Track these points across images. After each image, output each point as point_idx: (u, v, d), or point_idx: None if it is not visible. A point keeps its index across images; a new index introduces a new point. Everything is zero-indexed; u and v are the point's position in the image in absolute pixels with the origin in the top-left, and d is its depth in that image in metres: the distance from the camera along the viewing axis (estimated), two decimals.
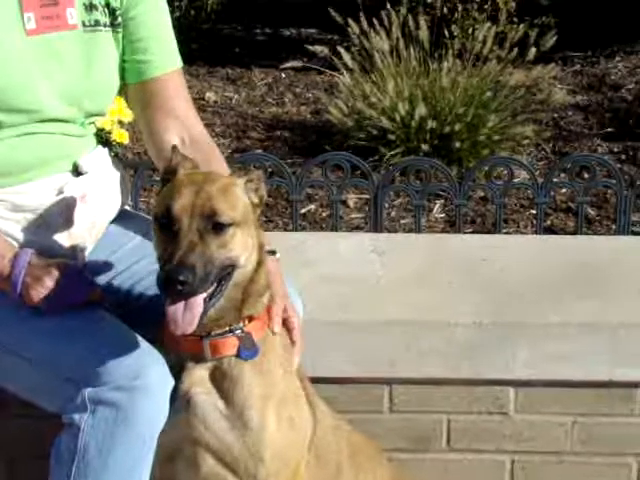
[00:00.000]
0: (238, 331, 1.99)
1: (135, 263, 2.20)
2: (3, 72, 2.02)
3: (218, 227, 1.88)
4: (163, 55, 2.24)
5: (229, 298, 1.94)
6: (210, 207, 1.88)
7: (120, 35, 2.18)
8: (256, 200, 1.99)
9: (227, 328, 1.98)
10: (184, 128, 2.24)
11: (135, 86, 2.23)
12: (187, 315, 1.85)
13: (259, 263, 1.99)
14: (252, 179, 1.98)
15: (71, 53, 2.11)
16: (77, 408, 1.92)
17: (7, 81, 2.03)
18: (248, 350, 1.99)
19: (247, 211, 1.95)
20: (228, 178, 1.99)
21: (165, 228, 1.89)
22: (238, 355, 1.99)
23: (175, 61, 2.27)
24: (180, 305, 1.84)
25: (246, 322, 2.00)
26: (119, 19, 2.17)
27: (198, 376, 1.99)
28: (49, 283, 1.98)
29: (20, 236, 2.09)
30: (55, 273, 1.99)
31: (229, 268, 1.91)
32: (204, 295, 1.87)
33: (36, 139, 2.10)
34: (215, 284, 1.89)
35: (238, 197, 1.95)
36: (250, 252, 1.95)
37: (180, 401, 1.97)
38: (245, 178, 1.98)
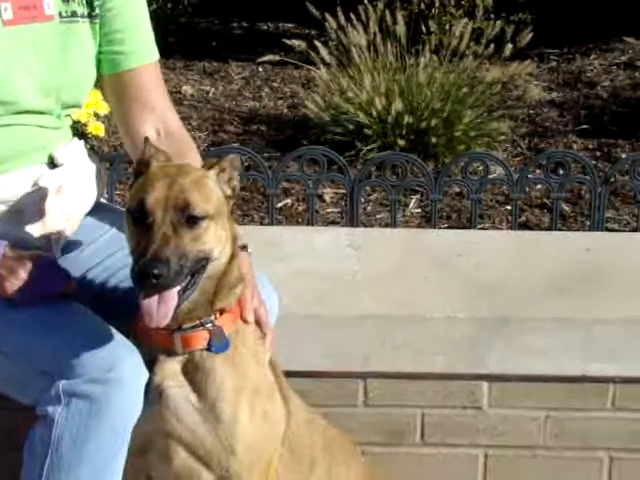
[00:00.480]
0: (209, 324, 1.99)
1: (110, 256, 2.19)
2: None
3: (192, 220, 1.87)
4: (139, 47, 2.23)
5: (202, 291, 1.94)
6: (184, 200, 1.88)
7: (97, 26, 2.17)
8: (229, 192, 1.98)
9: (198, 322, 1.98)
10: (160, 121, 2.23)
11: (110, 77, 2.22)
12: (161, 308, 1.85)
13: (232, 256, 1.99)
14: (224, 169, 1.97)
15: (48, 44, 2.10)
16: (51, 400, 1.91)
17: None
18: (219, 343, 1.99)
19: (220, 203, 1.95)
20: (201, 170, 1.98)
21: (138, 221, 1.88)
22: (209, 348, 1.99)
23: (152, 53, 2.26)
24: (154, 298, 1.84)
25: (217, 315, 2.00)
26: (97, 10, 2.16)
27: (170, 369, 1.99)
28: (22, 275, 1.97)
29: None
30: (29, 265, 1.99)
31: (203, 261, 1.91)
32: (178, 288, 1.87)
33: (11, 131, 2.08)
34: (189, 277, 1.89)
35: (211, 190, 1.94)
36: (224, 245, 1.94)
37: (152, 394, 1.97)
38: (217, 169, 1.97)
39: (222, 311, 2.01)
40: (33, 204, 2.11)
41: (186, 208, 1.87)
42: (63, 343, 1.94)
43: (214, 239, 1.91)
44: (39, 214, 2.12)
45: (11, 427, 2.15)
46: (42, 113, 2.13)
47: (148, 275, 1.80)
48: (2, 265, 1.97)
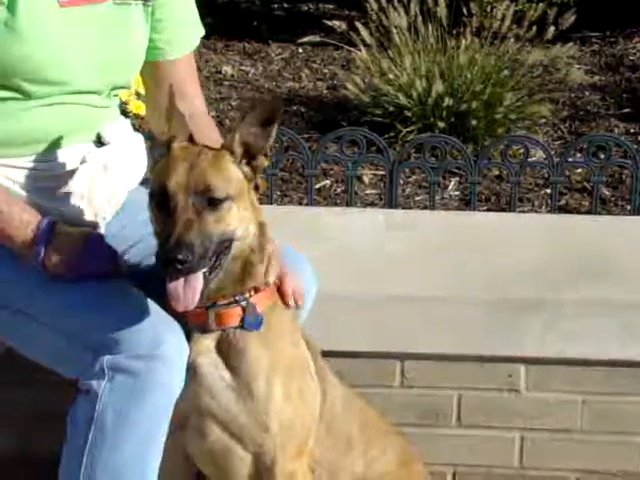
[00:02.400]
0: (243, 302, 2.00)
1: (151, 234, 2.21)
2: (39, 45, 2.03)
3: (213, 202, 1.88)
4: (184, 38, 2.27)
5: (228, 271, 1.95)
6: (204, 183, 1.88)
7: (150, 10, 2.19)
8: (248, 171, 1.96)
9: (232, 299, 1.99)
10: (188, 106, 2.23)
11: (150, 64, 2.25)
12: (188, 291, 1.86)
13: (259, 236, 1.98)
14: (233, 150, 1.94)
15: (102, 26, 2.12)
16: (95, 375, 1.94)
17: (42, 54, 2.04)
18: (252, 321, 2.00)
19: (241, 183, 1.94)
20: (220, 151, 1.96)
21: (161, 205, 1.90)
22: (242, 326, 2.00)
23: (194, 42, 2.29)
24: (180, 282, 1.86)
25: (251, 293, 2.01)
26: None
27: (204, 346, 2.01)
28: (71, 252, 2.00)
29: (42, 204, 2.10)
30: (77, 243, 2.01)
31: (226, 242, 1.91)
32: (204, 270, 1.88)
33: (62, 109, 2.11)
34: (214, 259, 1.89)
35: (231, 170, 1.94)
36: (247, 225, 1.95)
37: (187, 371, 1.99)
38: (228, 149, 1.94)
39: (257, 289, 2.02)
40: (80, 181, 2.14)
41: (207, 191, 1.88)
42: (108, 319, 1.97)
43: (237, 220, 1.92)
44: (86, 192, 2.14)
45: (54, 401, 2.18)
46: (92, 93, 2.15)
47: (173, 261, 1.81)
48: (51, 242, 2.00)
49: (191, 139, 1.99)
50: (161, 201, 1.90)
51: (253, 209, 1.98)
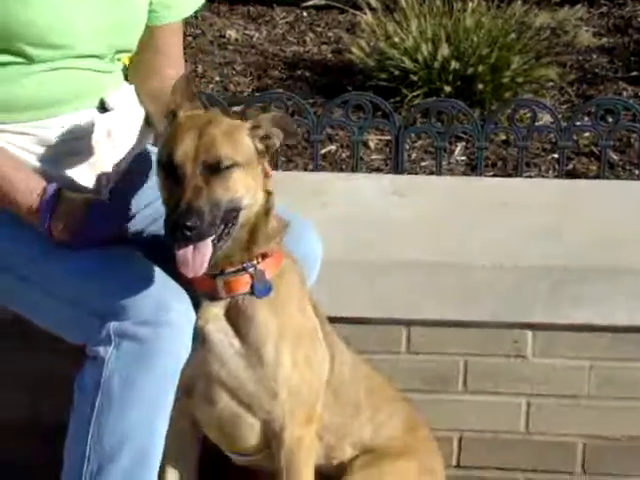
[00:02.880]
0: (251, 269, 2.00)
1: (157, 199, 2.20)
2: (41, 8, 2.02)
3: (221, 170, 1.88)
4: (180, 3, 2.24)
5: (236, 239, 1.95)
6: (213, 150, 1.88)
7: None
8: (261, 147, 1.96)
9: (240, 266, 1.99)
10: (175, 71, 2.23)
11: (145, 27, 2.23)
12: (197, 258, 1.86)
13: (266, 204, 1.98)
14: (260, 125, 1.96)
15: None
16: (102, 341, 1.95)
17: (45, 17, 2.03)
18: (261, 288, 2.00)
19: (250, 154, 1.94)
20: (232, 120, 1.98)
21: (169, 173, 1.90)
22: (252, 292, 2.00)
23: (190, 9, 2.28)
24: (189, 248, 1.86)
25: (259, 260, 2.01)
26: None
27: (213, 313, 2.01)
28: (76, 219, 2.00)
29: (46, 170, 2.10)
30: (83, 209, 2.01)
31: (234, 212, 1.91)
32: (212, 237, 1.88)
33: (65, 74, 2.10)
34: (222, 227, 1.90)
35: (241, 139, 1.94)
36: (253, 193, 1.95)
37: (196, 338, 2.00)
38: (252, 123, 1.96)
39: (264, 256, 2.02)
40: (83, 148, 2.13)
41: (216, 158, 1.88)
42: (115, 285, 1.97)
43: (244, 188, 1.92)
44: (90, 158, 2.13)
45: (61, 367, 2.18)
46: (95, 57, 2.14)
47: (182, 227, 1.81)
48: (56, 209, 2.00)
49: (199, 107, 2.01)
50: (169, 170, 1.89)
51: (263, 178, 1.98)
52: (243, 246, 1.98)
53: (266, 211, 1.99)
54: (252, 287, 2.00)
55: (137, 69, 2.30)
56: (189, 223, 1.81)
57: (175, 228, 1.83)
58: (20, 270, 2.05)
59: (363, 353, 2.34)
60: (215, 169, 1.88)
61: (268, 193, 2.00)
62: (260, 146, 1.96)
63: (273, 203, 2.02)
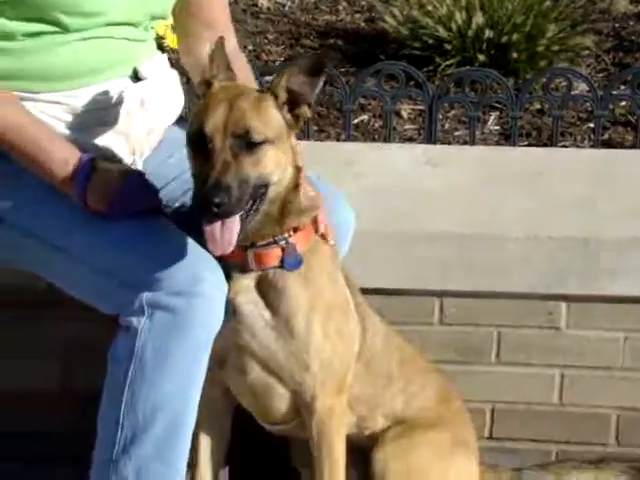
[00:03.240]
0: (282, 242, 1.99)
1: (187, 171, 2.20)
2: None
3: (251, 145, 1.86)
4: None
5: (266, 213, 1.94)
6: (243, 125, 1.86)
7: None
8: (289, 118, 1.94)
9: (271, 239, 1.99)
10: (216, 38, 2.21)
11: None
12: (225, 234, 1.86)
13: (296, 183, 1.96)
14: (277, 94, 1.91)
15: None
16: (135, 312, 1.96)
17: None
18: (292, 261, 2.00)
19: (281, 128, 1.92)
20: (262, 94, 1.94)
21: (198, 146, 1.88)
22: (282, 266, 2.00)
23: None
24: (217, 225, 1.85)
25: (291, 233, 2.00)
26: None
27: (244, 286, 2.01)
28: (111, 189, 2.00)
29: (79, 140, 2.10)
30: (118, 179, 2.01)
31: (263, 188, 1.90)
32: (240, 213, 1.87)
33: (99, 43, 2.09)
34: (250, 202, 1.88)
35: (271, 113, 1.92)
36: (283, 169, 1.93)
37: (227, 310, 1.99)
38: (272, 94, 1.92)
39: (296, 229, 2.01)
40: (117, 117, 2.12)
41: (245, 133, 1.86)
42: (148, 256, 1.97)
43: (274, 163, 1.90)
44: (123, 128, 2.13)
45: (94, 336, 2.19)
46: (129, 24, 2.13)
47: (210, 203, 1.80)
48: (92, 179, 2.00)
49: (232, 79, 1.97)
50: (199, 142, 1.88)
51: (292, 153, 1.96)
52: (274, 220, 1.98)
53: (296, 185, 1.98)
54: (283, 260, 2.00)
55: (179, 35, 2.28)
56: (217, 200, 1.80)
57: (203, 204, 1.82)
58: (55, 240, 2.05)
59: (395, 324, 2.33)
60: (244, 144, 1.86)
61: (297, 169, 1.98)
62: (289, 117, 1.94)
63: (303, 177, 2.00)
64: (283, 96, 1.93)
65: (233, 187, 1.83)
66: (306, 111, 1.95)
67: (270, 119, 1.91)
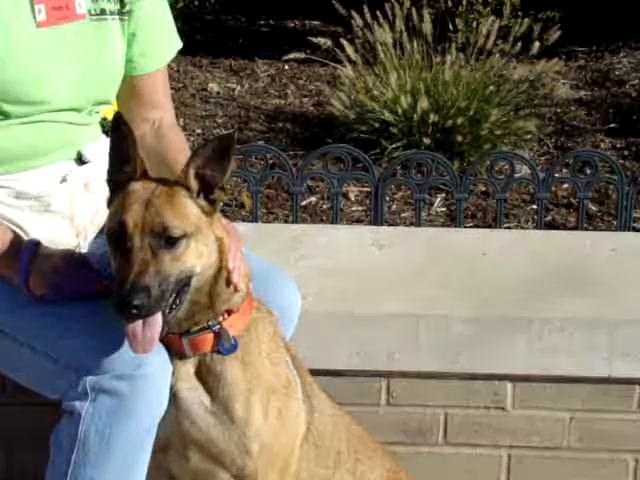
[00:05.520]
0: (215, 327, 1.97)
1: None
2: (16, 66, 2.02)
3: (170, 241, 1.83)
4: (156, 52, 2.25)
5: (194, 302, 1.93)
6: (159, 222, 1.83)
7: (126, 24, 2.18)
8: (207, 206, 1.90)
9: (205, 324, 1.97)
10: (157, 118, 2.27)
11: (124, 77, 2.23)
12: (147, 333, 1.84)
13: (221, 260, 1.93)
14: (186, 184, 1.87)
15: (80, 43, 2.11)
16: (78, 396, 1.93)
17: (20, 75, 2.03)
18: (226, 345, 1.98)
19: (198, 219, 1.89)
20: (174, 188, 1.89)
21: (117, 244, 1.85)
22: (218, 350, 1.98)
23: (167, 57, 2.29)
24: (138, 323, 1.83)
25: (225, 316, 1.98)
26: (127, 7, 2.17)
27: (184, 371, 1.99)
28: (55, 273, 1.99)
29: (23, 224, 2.09)
30: (61, 264, 2.00)
31: (185, 280, 1.87)
32: (163, 308, 1.84)
33: (41, 127, 2.10)
34: (174, 296, 1.86)
35: (187, 206, 1.88)
36: (206, 259, 1.90)
37: (169, 396, 1.97)
38: (182, 184, 1.88)
39: (229, 311, 1.99)
40: (62, 201, 2.12)
41: (163, 230, 1.83)
42: (91, 339, 1.95)
43: (195, 256, 1.87)
44: (67, 211, 2.13)
45: (37, 422, 2.16)
46: (73, 110, 2.14)
47: (128, 306, 1.78)
48: (34, 264, 1.99)
49: (146, 174, 1.92)
50: (117, 240, 1.85)
51: (215, 237, 1.91)
52: (204, 306, 1.95)
53: (223, 266, 1.94)
54: (217, 345, 1.98)
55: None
56: (136, 302, 1.77)
57: (122, 306, 1.79)
58: None
59: (343, 405, 2.32)
60: (163, 241, 1.83)
61: (221, 242, 1.93)
62: (204, 204, 1.90)
63: (227, 252, 1.94)
64: (194, 185, 1.89)
65: (153, 286, 1.79)
66: (220, 195, 1.91)
67: (186, 212, 1.87)
